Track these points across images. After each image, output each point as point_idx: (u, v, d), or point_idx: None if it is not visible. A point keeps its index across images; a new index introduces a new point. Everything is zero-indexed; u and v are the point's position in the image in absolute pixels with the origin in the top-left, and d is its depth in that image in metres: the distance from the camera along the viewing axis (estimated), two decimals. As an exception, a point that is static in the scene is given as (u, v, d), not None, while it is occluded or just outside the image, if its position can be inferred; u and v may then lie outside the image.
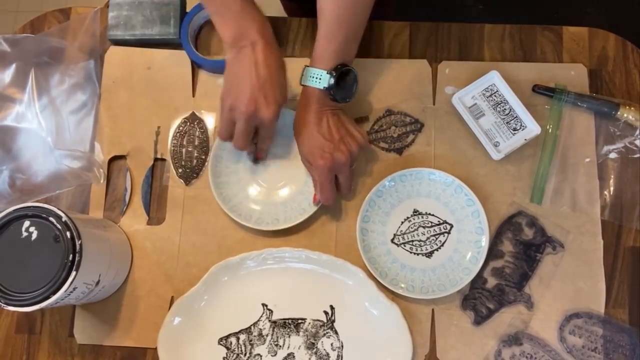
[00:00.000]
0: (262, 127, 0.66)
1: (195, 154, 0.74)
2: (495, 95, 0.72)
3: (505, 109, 0.71)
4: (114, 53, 0.77)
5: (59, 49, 0.77)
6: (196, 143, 0.75)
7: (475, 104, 0.72)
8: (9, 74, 0.75)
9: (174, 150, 0.74)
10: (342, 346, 0.67)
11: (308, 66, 0.65)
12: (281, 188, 0.72)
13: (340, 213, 0.70)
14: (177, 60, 0.77)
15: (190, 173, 0.74)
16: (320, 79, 0.64)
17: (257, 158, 0.72)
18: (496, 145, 0.71)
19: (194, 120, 0.75)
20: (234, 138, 0.66)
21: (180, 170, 0.74)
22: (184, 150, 0.74)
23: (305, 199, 0.71)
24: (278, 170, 0.73)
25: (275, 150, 0.73)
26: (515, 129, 0.71)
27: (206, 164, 0.74)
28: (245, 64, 0.62)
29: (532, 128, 0.70)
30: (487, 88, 0.72)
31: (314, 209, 0.69)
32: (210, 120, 0.75)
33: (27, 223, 0.60)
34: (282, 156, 0.73)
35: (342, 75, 0.65)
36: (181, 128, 0.75)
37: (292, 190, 0.72)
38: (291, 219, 0.69)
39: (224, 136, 0.67)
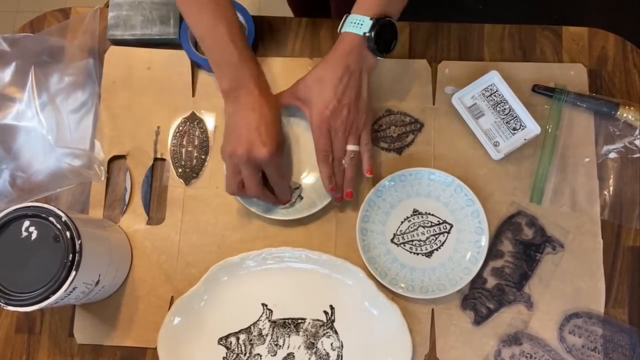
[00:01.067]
0: (265, 168, 0.65)
1: (195, 154, 0.74)
2: (495, 95, 0.72)
3: (505, 109, 0.71)
4: (113, 53, 0.77)
5: (58, 48, 0.77)
6: (196, 143, 0.74)
7: (475, 103, 0.72)
8: (8, 73, 0.75)
9: (173, 150, 0.74)
10: (342, 346, 0.67)
11: (349, 14, 0.65)
12: (305, 177, 0.72)
13: (340, 213, 0.70)
14: (177, 60, 0.77)
15: (190, 173, 0.73)
16: (361, 24, 0.63)
17: (282, 203, 0.70)
18: (496, 145, 0.71)
19: (193, 120, 0.75)
20: (245, 187, 0.66)
21: (180, 170, 0.74)
22: (183, 150, 0.74)
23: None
24: (298, 161, 0.72)
25: (292, 142, 0.73)
26: (515, 129, 0.71)
27: (206, 163, 0.74)
28: (242, 112, 0.64)
29: (532, 128, 0.70)
30: (486, 88, 0.72)
31: (329, 197, 0.69)
32: (210, 120, 0.75)
33: (26, 223, 0.59)
34: (299, 146, 0.73)
35: (384, 27, 0.64)
36: (181, 128, 0.75)
37: (317, 178, 0.72)
38: (315, 204, 0.69)
39: (232, 188, 0.66)
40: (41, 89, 0.75)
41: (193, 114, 0.75)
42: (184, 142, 0.74)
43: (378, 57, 0.66)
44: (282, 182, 0.67)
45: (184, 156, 0.74)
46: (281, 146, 0.66)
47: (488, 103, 0.72)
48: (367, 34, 0.63)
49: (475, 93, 0.72)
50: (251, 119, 0.63)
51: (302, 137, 0.73)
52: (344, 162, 0.67)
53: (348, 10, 0.66)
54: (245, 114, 0.64)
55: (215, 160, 0.74)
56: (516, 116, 0.71)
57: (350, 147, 0.66)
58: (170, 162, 0.74)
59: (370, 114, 0.68)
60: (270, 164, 0.64)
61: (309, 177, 0.72)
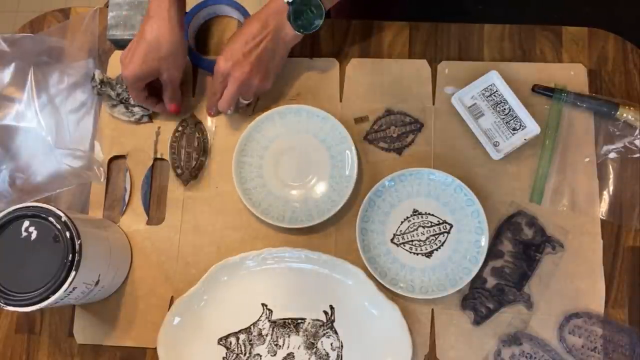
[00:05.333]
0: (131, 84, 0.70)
1: (195, 156, 0.74)
2: (494, 95, 0.72)
3: (504, 109, 0.71)
4: (117, 57, 0.77)
5: (58, 49, 0.77)
6: (195, 144, 0.74)
7: (475, 103, 0.72)
8: (8, 73, 0.75)
9: (172, 151, 0.74)
10: (342, 346, 0.67)
11: None
12: (315, 184, 0.72)
13: (340, 213, 0.70)
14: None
15: (189, 175, 0.73)
16: None
17: (171, 111, 0.74)
18: (496, 145, 0.71)
19: (193, 121, 0.75)
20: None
21: (178, 171, 0.74)
22: (182, 151, 0.74)
23: (334, 191, 0.71)
24: (303, 167, 0.73)
25: (294, 148, 0.73)
26: (514, 129, 0.71)
27: (205, 165, 0.74)
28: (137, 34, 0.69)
29: (532, 128, 0.70)
30: (486, 88, 0.72)
31: (343, 199, 0.69)
32: (210, 122, 0.75)
33: (26, 223, 0.59)
34: (301, 152, 0.73)
35: (307, 3, 0.66)
36: (180, 129, 0.75)
37: (325, 184, 0.72)
38: (323, 213, 0.70)
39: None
40: (41, 90, 0.75)
41: (193, 115, 0.75)
42: (183, 144, 0.74)
43: (297, 32, 0.68)
44: (167, 92, 0.72)
45: (183, 157, 0.74)
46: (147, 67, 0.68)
47: (488, 103, 0.72)
48: (288, 3, 0.65)
49: (475, 93, 0.72)
50: (134, 42, 0.69)
51: (309, 146, 0.73)
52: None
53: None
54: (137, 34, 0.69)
55: (215, 161, 0.74)
56: (516, 116, 0.71)
57: (242, 101, 0.72)
58: (170, 163, 0.74)
59: (271, 83, 0.71)
60: (129, 82, 0.69)
61: (317, 186, 0.72)
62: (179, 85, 0.72)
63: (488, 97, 0.72)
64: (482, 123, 0.71)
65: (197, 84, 0.77)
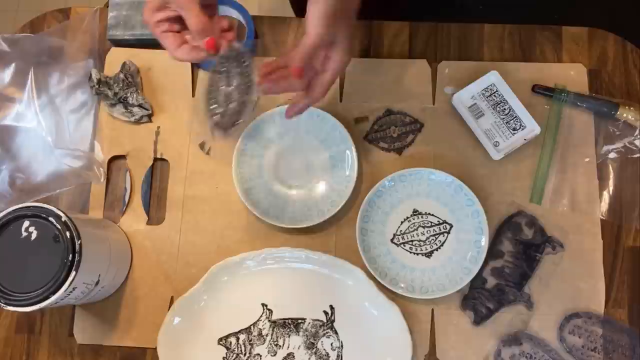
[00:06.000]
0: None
1: (236, 96, 0.60)
2: (494, 95, 0.72)
3: (505, 109, 0.71)
4: (114, 54, 0.77)
5: (58, 49, 0.77)
6: (236, 83, 0.60)
7: (475, 103, 0.72)
8: (8, 73, 0.75)
9: (209, 96, 0.60)
10: (342, 346, 0.67)
11: None
12: (315, 184, 0.72)
13: (340, 213, 0.70)
14: (177, 61, 0.76)
15: (229, 121, 0.60)
16: None
17: (206, 48, 0.58)
18: (496, 145, 0.71)
19: (234, 56, 0.60)
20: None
21: (216, 118, 0.60)
22: (221, 91, 0.60)
23: (334, 191, 0.71)
24: (303, 167, 0.73)
25: (294, 148, 0.73)
26: (514, 129, 0.71)
27: (247, 107, 0.60)
28: None
29: (532, 128, 0.70)
30: (486, 88, 0.72)
31: (343, 199, 0.69)
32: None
33: (26, 223, 0.59)
34: (301, 152, 0.73)
35: None
36: (219, 68, 0.60)
37: (325, 184, 0.72)
38: (324, 213, 0.70)
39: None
40: (41, 90, 0.75)
41: (233, 49, 0.59)
42: (222, 83, 0.60)
43: None
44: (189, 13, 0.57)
45: (221, 99, 0.60)
46: None
47: (488, 103, 0.72)
48: None
49: (475, 93, 0.72)
50: None
51: (309, 146, 0.73)
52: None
53: None
54: None
55: (212, 165, 0.74)
56: (516, 116, 0.71)
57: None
58: (203, 108, 0.61)
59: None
60: (150, 24, 0.58)
61: (317, 186, 0.72)
62: (201, 13, 0.56)
63: (488, 97, 0.72)
64: (482, 123, 0.71)
65: (196, 84, 0.77)
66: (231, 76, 0.60)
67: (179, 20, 0.59)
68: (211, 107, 0.60)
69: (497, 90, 0.72)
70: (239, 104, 0.60)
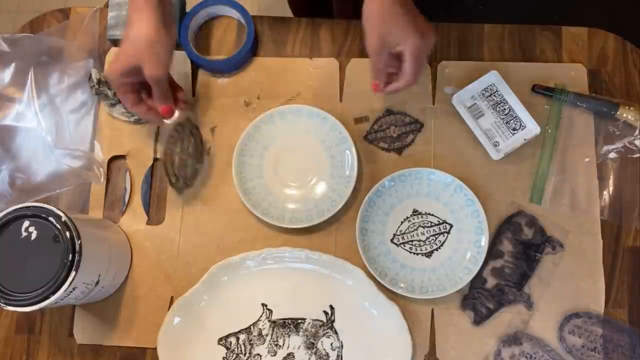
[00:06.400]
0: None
1: (190, 162, 0.72)
2: (494, 95, 0.72)
3: (504, 109, 0.71)
4: (114, 54, 0.77)
5: (58, 49, 0.77)
6: (190, 150, 0.72)
7: (475, 103, 0.72)
8: (8, 73, 0.75)
9: (165, 158, 0.72)
10: (342, 346, 0.67)
11: None
12: (315, 184, 0.72)
13: (340, 213, 0.70)
14: (177, 61, 0.77)
15: (183, 183, 0.72)
16: None
17: (163, 113, 0.68)
18: (496, 145, 0.71)
19: (189, 126, 0.73)
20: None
21: (172, 179, 0.72)
22: (176, 158, 0.72)
23: (334, 191, 0.71)
24: (303, 167, 0.73)
25: (294, 148, 0.73)
26: (514, 129, 0.71)
27: (199, 173, 0.72)
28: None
29: (532, 128, 0.70)
30: (486, 88, 0.72)
31: (343, 199, 0.69)
32: (207, 124, 0.74)
33: (26, 223, 0.59)
34: (301, 152, 0.73)
35: None
36: (175, 134, 0.72)
37: (325, 184, 0.72)
38: (324, 213, 0.70)
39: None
40: (41, 90, 0.75)
41: (188, 119, 0.73)
42: (177, 150, 0.72)
43: None
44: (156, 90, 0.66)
45: (176, 164, 0.72)
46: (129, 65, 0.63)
47: (488, 103, 0.72)
48: None
49: (475, 93, 0.72)
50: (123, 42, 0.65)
51: (309, 146, 0.73)
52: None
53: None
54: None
55: (215, 162, 0.74)
56: (516, 116, 0.71)
57: None
58: (163, 170, 0.72)
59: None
60: (112, 81, 0.65)
61: (317, 186, 0.72)
62: (167, 86, 0.66)
63: (488, 97, 0.72)
64: (482, 123, 0.71)
65: (196, 84, 0.77)
66: (184, 143, 0.72)
67: (140, 83, 0.66)
68: (168, 174, 0.71)
69: (497, 90, 0.72)
70: (192, 170, 0.72)
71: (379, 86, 0.66)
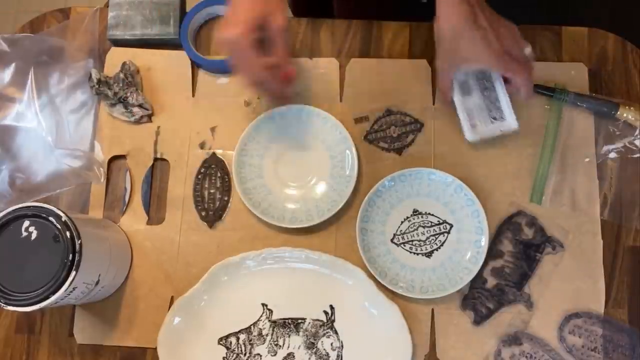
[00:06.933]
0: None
1: (218, 196, 0.73)
2: (486, 80, 0.71)
3: (490, 96, 0.70)
4: (114, 54, 0.77)
5: (58, 48, 0.77)
6: (218, 184, 0.73)
7: (467, 81, 0.71)
8: (8, 73, 0.75)
9: (196, 194, 0.73)
10: (342, 346, 0.67)
11: None
12: (315, 184, 0.72)
13: (340, 213, 0.70)
14: (177, 61, 0.77)
15: (214, 216, 0.72)
16: None
17: (283, 79, 0.66)
18: (473, 126, 0.70)
19: (214, 160, 0.74)
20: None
21: (203, 213, 0.72)
22: (206, 192, 0.73)
23: (334, 191, 0.71)
24: (303, 167, 0.73)
25: (294, 148, 0.73)
26: (494, 118, 0.70)
27: (229, 205, 0.72)
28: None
29: (510, 122, 0.69)
30: (482, 70, 0.71)
31: (343, 199, 0.69)
32: (231, 157, 0.73)
33: (26, 223, 0.59)
34: (301, 152, 0.73)
35: None
36: (202, 170, 0.73)
37: (325, 184, 0.72)
38: (324, 213, 0.69)
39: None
40: (41, 90, 0.75)
41: (214, 155, 0.74)
42: (206, 185, 0.73)
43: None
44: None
45: (207, 199, 0.73)
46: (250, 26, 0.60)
47: (478, 85, 0.71)
48: None
49: (469, 69, 0.71)
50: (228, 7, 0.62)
51: (309, 146, 0.73)
52: None
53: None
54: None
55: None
56: (499, 107, 0.70)
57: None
58: (193, 205, 0.72)
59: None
60: (235, 42, 0.60)
61: (317, 186, 0.72)
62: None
63: (480, 80, 0.71)
64: (466, 101, 0.70)
65: (196, 84, 0.77)
66: (212, 178, 0.73)
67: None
68: (198, 208, 0.72)
69: (489, 77, 0.71)
70: (221, 203, 0.72)
71: (448, 97, 0.70)
